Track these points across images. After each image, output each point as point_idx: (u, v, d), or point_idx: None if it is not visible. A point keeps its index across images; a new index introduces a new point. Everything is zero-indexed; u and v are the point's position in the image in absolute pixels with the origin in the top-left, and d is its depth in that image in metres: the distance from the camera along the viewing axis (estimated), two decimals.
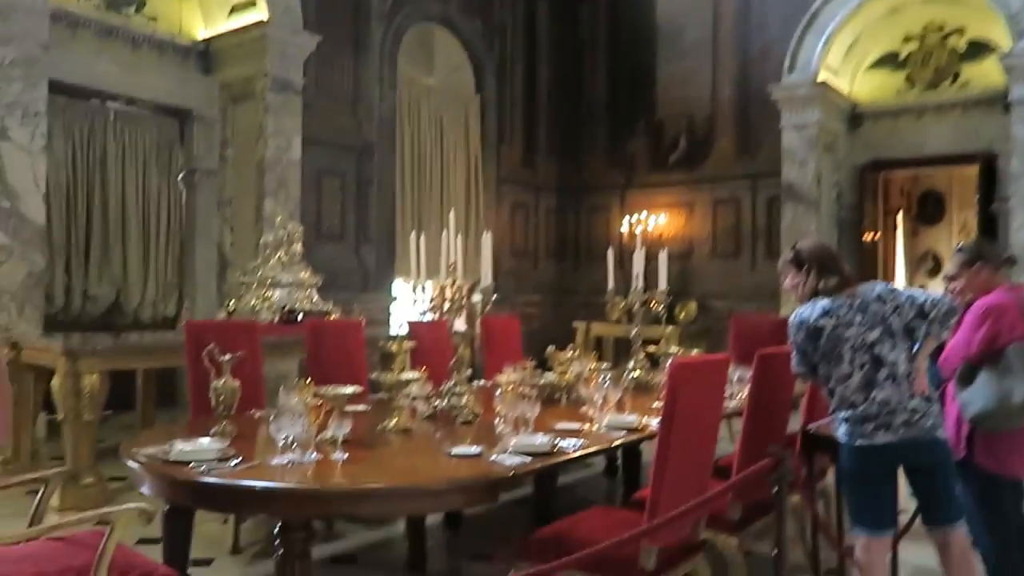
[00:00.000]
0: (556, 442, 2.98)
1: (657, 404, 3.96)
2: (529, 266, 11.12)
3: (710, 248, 10.11)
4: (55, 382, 4.24)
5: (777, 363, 3.11)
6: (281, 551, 2.45)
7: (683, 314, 9.94)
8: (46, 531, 2.11)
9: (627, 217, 10.34)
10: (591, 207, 11.26)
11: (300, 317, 5.82)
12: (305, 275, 5.84)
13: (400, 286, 9.13)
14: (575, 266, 11.36)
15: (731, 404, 4.03)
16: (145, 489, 2.60)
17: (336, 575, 3.46)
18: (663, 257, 4.95)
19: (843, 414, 2.69)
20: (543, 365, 4.58)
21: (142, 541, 3.51)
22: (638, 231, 9.82)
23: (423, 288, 3.94)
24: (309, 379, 3.39)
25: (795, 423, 3.45)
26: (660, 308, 4.83)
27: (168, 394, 6.75)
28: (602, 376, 4.54)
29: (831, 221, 9.30)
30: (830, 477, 3.93)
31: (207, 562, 3.53)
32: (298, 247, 5.88)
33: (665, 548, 2.54)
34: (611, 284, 4.86)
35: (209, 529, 3.89)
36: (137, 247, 7.58)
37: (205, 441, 2.73)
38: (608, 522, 2.75)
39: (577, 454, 2.92)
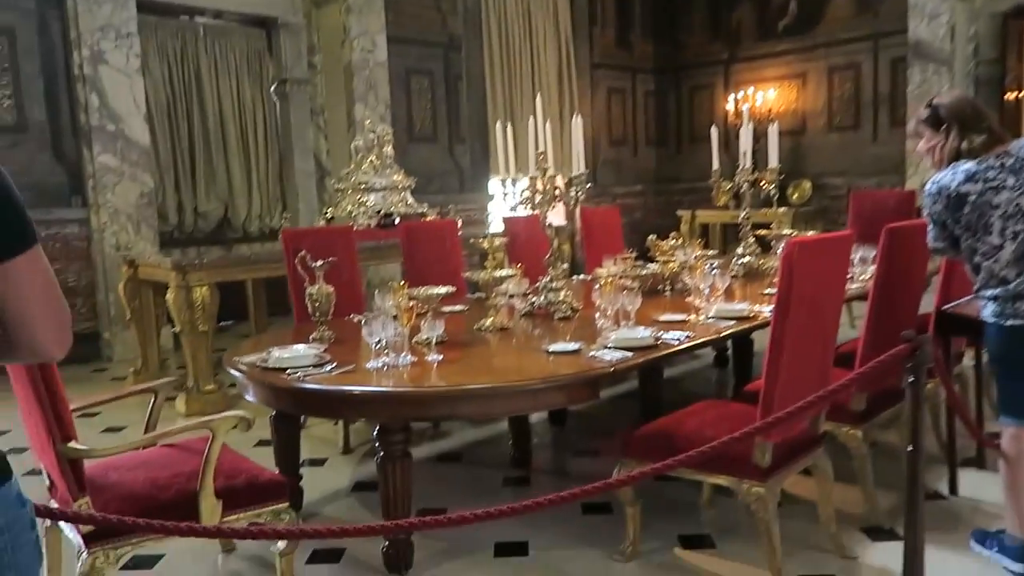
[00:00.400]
0: (659, 335, 2.81)
1: (769, 291, 3.70)
2: (628, 155, 10.68)
3: (825, 121, 9.34)
4: (169, 296, 4.40)
5: (908, 238, 2.78)
6: (381, 453, 2.44)
7: (796, 194, 9.34)
8: (152, 440, 2.16)
9: (732, 95, 9.66)
10: (692, 87, 10.58)
11: (397, 220, 5.80)
12: (398, 178, 5.76)
13: (496, 185, 8.98)
14: (677, 151, 10.82)
15: (852, 287, 3.72)
16: (249, 396, 2.65)
17: (441, 473, 3.50)
18: (773, 133, 4.54)
19: (991, 292, 2.37)
20: (645, 256, 4.36)
21: (260, 444, 3.65)
22: (744, 109, 9.18)
23: (514, 182, 3.76)
24: (404, 282, 3.33)
25: (926, 304, 3.13)
26: (771, 189, 4.46)
27: (281, 302, 6.98)
28: (708, 264, 4.29)
29: (966, 80, 8.33)
30: (966, 361, 3.60)
31: (320, 462, 3.64)
32: (389, 150, 5.79)
33: (781, 443, 2.37)
34: (715, 166, 4.52)
35: (322, 430, 4.02)
36: (239, 162, 7.73)
37: (301, 348, 2.73)
38: (717, 416, 2.59)
39: (681, 347, 2.75)
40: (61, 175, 6.00)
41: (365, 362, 2.59)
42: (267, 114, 7.94)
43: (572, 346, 2.73)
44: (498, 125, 3.59)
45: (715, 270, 3.95)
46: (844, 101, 9.17)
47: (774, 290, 3.64)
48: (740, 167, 4.49)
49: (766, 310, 3.27)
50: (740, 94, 9.49)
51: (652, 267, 4.04)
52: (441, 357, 2.67)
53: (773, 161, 4.41)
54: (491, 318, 3.21)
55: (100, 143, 5.99)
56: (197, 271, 4.38)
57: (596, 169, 10.21)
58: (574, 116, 3.43)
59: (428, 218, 5.85)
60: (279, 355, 2.61)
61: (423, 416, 2.38)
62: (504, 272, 3.31)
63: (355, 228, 5.48)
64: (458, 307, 3.74)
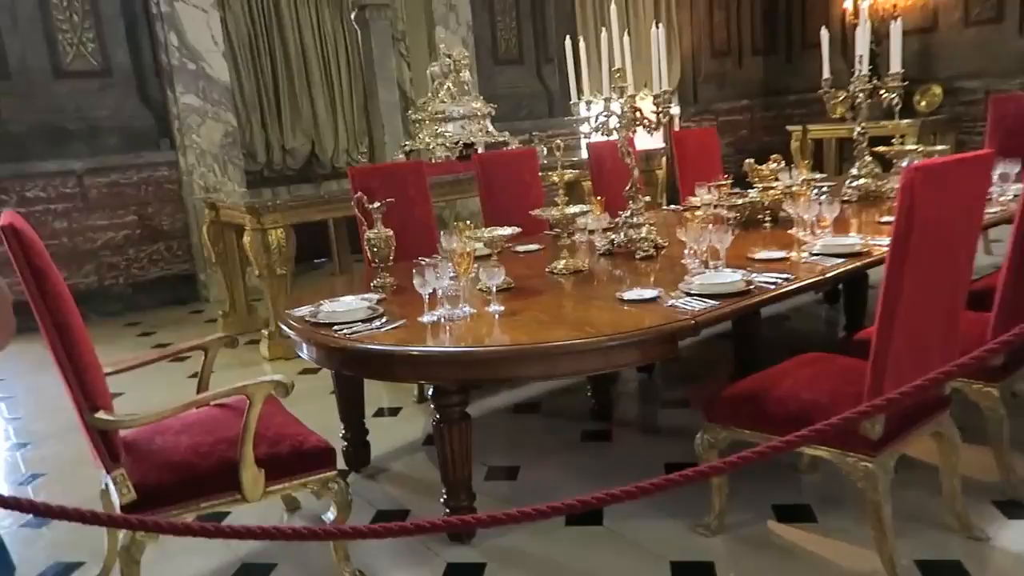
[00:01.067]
0: (752, 278, 2.45)
1: (888, 219, 3.22)
2: (732, 66, 9.87)
3: (960, 15, 8.24)
4: (245, 239, 4.34)
5: None
6: (436, 416, 2.25)
7: (924, 102, 8.37)
8: (182, 408, 2.04)
9: None
10: None
11: (480, 151, 5.53)
12: (478, 105, 5.45)
13: (590, 107, 8.50)
14: (787, 59, 9.90)
15: (990, 211, 3.18)
16: (303, 353, 2.49)
17: (517, 425, 3.30)
18: (896, 31, 3.91)
19: None
20: (743, 182, 3.92)
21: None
22: (864, 5, 8.21)
23: (594, 103, 3.39)
24: (468, 221, 3.08)
25: None
26: (893, 98, 3.87)
27: None
28: (815, 190, 3.81)
29: None
30: None
31: (395, 411, 3.52)
32: (467, 75, 5.46)
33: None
34: (826, 74, 3.96)
35: None
36: (323, 95, 7.61)
37: (352, 300, 2.54)
38: (819, 375, 2.23)
39: (777, 292, 2.38)
40: (148, 118, 6.04)
41: (421, 315, 2.37)
42: (348, 44, 7.74)
43: (650, 293, 2.42)
44: (567, 42, 3.21)
45: (823, 196, 3.49)
46: None
47: (892, 217, 3.18)
48: (856, 73, 3.92)
49: (883, 243, 2.83)
50: None
51: (752, 194, 3.60)
52: (503, 308, 2.41)
53: (896, 65, 3.81)
54: (564, 260, 2.92)
55: (182, 83, 5.96)
56: (271, 213, 4.28)
57: (696, 85, 9.51)
58: (656, 25, 3.00)
59: (511, 147, 5.54)
60: (329, 308, 2.44)
61: (474, 379, 2.16)
62: (577, 208, 2.99)
63: (433, 161, 5.27)
64: (533, 246, 3.47)
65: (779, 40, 9.95)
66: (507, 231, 2.81)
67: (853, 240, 2.85)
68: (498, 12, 7.82)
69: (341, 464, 2.93)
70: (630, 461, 2.86)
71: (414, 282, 2.37)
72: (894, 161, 4.22)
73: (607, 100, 2.98)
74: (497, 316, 2.37)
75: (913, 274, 1.91)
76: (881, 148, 4.21)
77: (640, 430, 3.16)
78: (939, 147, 4.42)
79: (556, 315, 2.34)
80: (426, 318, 2.35)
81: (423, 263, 2.48)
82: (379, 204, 2.90)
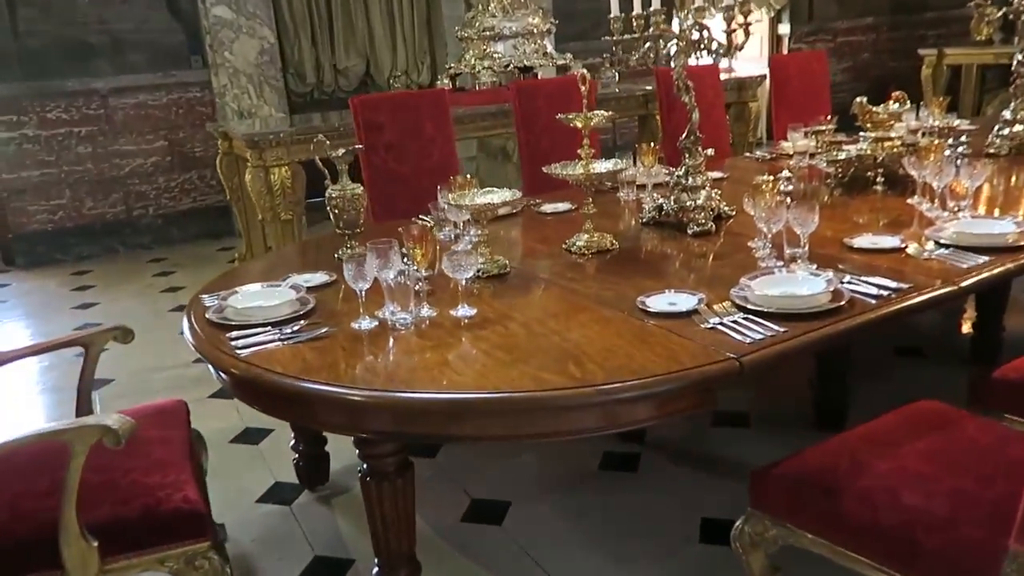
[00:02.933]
0: (844, 285, 1.65)
1: None
2: None
3: None
4: (246, 177, 3.76)
5: None
6: (362, 467, 1.59)
7: None
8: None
9: None
10: None
11: (538, 75, 4.71)
12: (535, 20, 4.59)
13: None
14: None
15: None
16: None
17: (521, 442, 2.62)
18: None
19: None
20: (853, 126, 2.99)
21: None
22: None
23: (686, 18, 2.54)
24: (469, 177, 2.36)
25: None
26: None
27: None
28: (952, 143, 2.86)
29: None
30: None
31: None
32: None
33: None
34: None
35: None
36: (379, 9, 6.85)
37: (279, 288, 1.88)
38: (934, 454, 1.43)
39: (878, 315, 1.57)
40: (178, 32, 5.48)
41: (361, 316, 1.70)
42: None
43: (687, 300, 1.66)
44: None
45: (961, 154, 2.56)
46: None
47: None
48: None
49: None
50: None
51: (858, 146, 2.70)
52: (474, 313, 1.71)
53: None
54: (587, 235, 2.17)
55: None
56: (274, 147, 3.66)
57: (813, 1, 8.19)
58: None
59: (573, 72, 4.69)
60: (238, 303, 1.79)
61: (397, 433, 1.48)
62: (609, 164, 2.21)
63: (478, 87, 4.50)
64: (563, 205, 2.71)
65: None
66: (504, 194, 2.05)
67: (1004, 225, 1.96)
68: None
69: (291, 479, 2.38)
70: (656, 510, 2.15)
71: (346, 273, 1.69)
72: None
73: (650, 18, 2.14)
74: (464, 322, 1.68)
75: None
76: None
77: (678, 458, 2.43)
78: None
79: (542, 333, 1.61)
80: (364, 324, 1.68)
81: (369, 248, 1.79)
82: (344, 151, 2.20)
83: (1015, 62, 3.00)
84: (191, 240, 5.59)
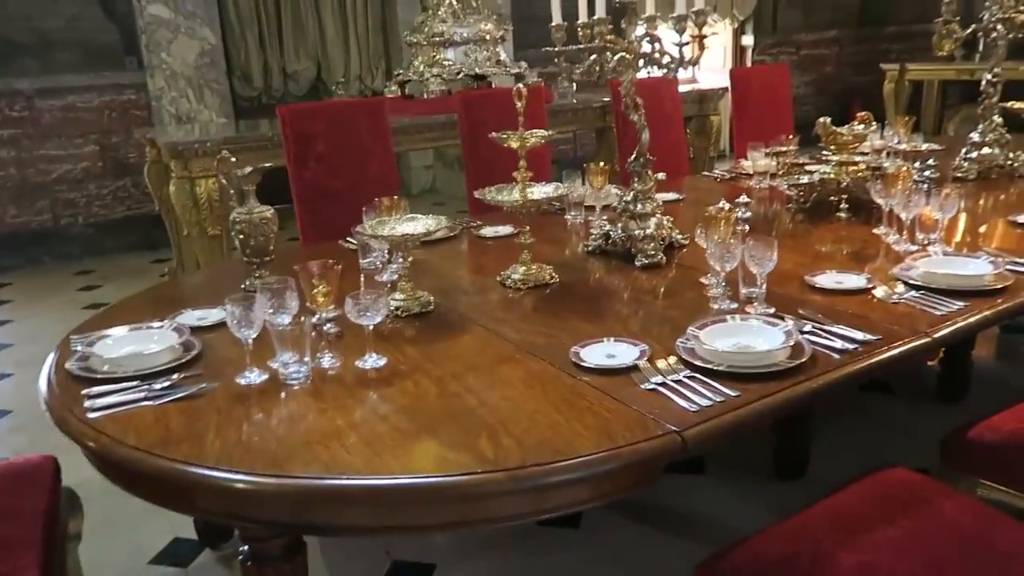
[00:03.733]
0: (802, 336, 1.44)
1: None
2: None
3: None
4: (170, 188, 3.47)
5: None
6: (243, 549, 1.34)
7: None
8: None
9: None
10: None
11: (492, 84, 4.49)
12: (488, 27, 4.37)
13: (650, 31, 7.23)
14: None
15: None
16: None
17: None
18: None
19: None
20: (815, 142, 2.81)
21: None
22: None
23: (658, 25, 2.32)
24: (397, 198, 2.12)
25: None
26: None
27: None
28: (920, 167, 2.71)
29: None
30: None
31: None
32: None
33: None
34: None
35: None
36: (332, 11, 6.58)
37: (159, 331, 1.62)
38: (905, 543, 1.23)
39: (842, 373, 1.36)
40: (112, 31, 5.15)
41: (249, 368, 1.45)
42: None
43: (628, 352, 1.44)
44: None
45: (929, 180, 2.41)
46: None
47: None
48: None
49: None
50: None
51: (821, 169, 2.51)
52: (383, 363, 1.48)
53: None
54: (523, 266, 1.95)
55: None
56: (201, 158, 3.38)
57: (777, 10, 8.10)
58: None
59: (529, 82, 4.48)
60: (106, 350, 1.53)
61: (274, 523, 1.24)
62: (548, 189, 1.99)
63: (426, 96, 4.26)
64: (505, 229, 2.48)
65: None
66: (428, 224, 1.81)
67: (980, 265, 1.77)
68: None
69: (193, 534, 2.11)
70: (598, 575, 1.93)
71: (228, 316, 1.44)
72: None
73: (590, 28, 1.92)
74: (371, 374, 1.44)
75: None
76: (1017, 104, 3.02)
77: (626, 511, 2.21)
78: None
79: (456, 393, 1.37)
80: (251, 377, 1.43)
81: (264, 284, 1.54)
82: (250, 170, 1.95)
83: (984, 82, 2.85)
84: (124, 251, 5.26)
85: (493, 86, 4.46)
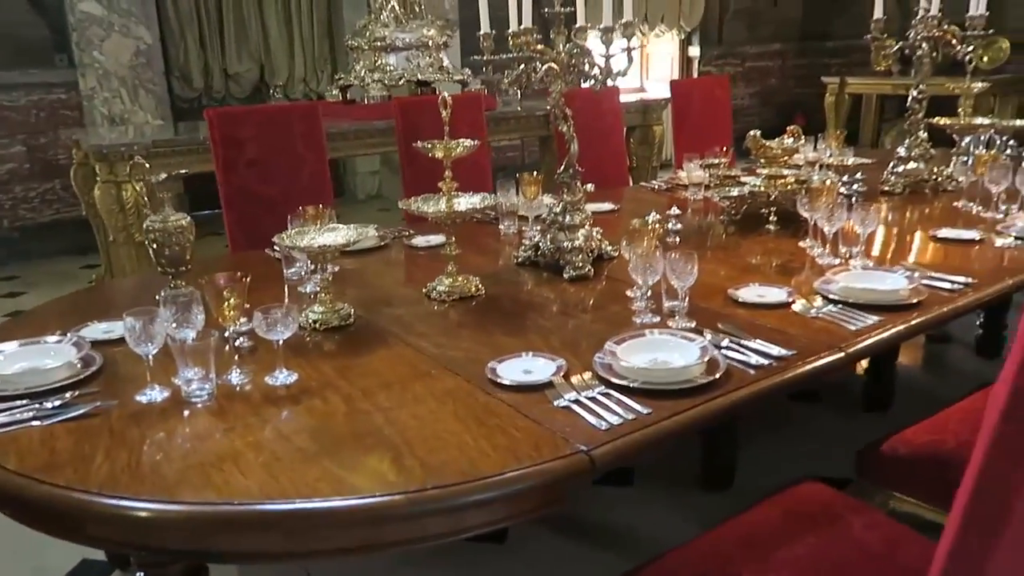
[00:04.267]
0: (720, 352, 1.44)
1: (948, 234, 2.18)
2: (767, 3, 8.55)
3: None
4: (95, 192, 3.35)
5: None
6: (139, 574, 1.28)
7: (987, 57, 7.08)
8: None
9: None
10: None
11: (436, 90, 4.45)
12: (431, 32, 4.33)
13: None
14: None
15: None
16: None
17: None
18: None
19: None
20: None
21: None
22: None
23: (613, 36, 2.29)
24: (322, 207, 2.07)
25: None
26: (968, 52, 2.76)
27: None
28: (847, 180, 2.76)
29: None
30: None
31: None
32: None
33: None
34: (878, 13, 2.83)
35: None
36: (275, 11, 6.47)
37: (56, 346, 1.54)
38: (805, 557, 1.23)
39: (758, 388, 1.36)
40: (41, 27, 4.96)
41: (149, 386, 1.39)
42: None
43: (543, 370, 1.42)
44: None
45: (857, 194, 2.45)
46: None
47: (955, 233, 2.15)
48: (921, 13, 2.79)
49: (945, 285, 1.81)
50: None
51: (751, 182, 2.54)
52: (293, 380, 1.43)
53: (979, 5, 2.68)
54: (449, 278, 1.92)
55: None
56: (127, 161, 3.27)
57: (723, 23, 8.24)
58: None
59: (471, 89, 4.46)
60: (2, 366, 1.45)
61: (171, 551, 1.18)
62: (475, 199, 1.96)
63: (366, 101, 4.21)
64: (436, 239, 2.44)
65: None
66: (348, 235, 1.77)
67: (896, 280, 1.80)
68: None
69: (99, 556, 2.02)
70: None
71: (126, 336, 1.38)
72: (956, 138, 3.12)
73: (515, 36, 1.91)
74: (280, 392, 1.39)
75: None
76: (942, 121, 3.10)
77: (553, 523, 2.19)
78: (1017, 122, 3.30)
79: (365, 411, 1.33)
80: (152, 395, 1.37)
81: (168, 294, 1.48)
82: (164, 177, 1.87)
83: (910, 98, 2.91)
84: (52, 256, 5.06)
85: (437, 92, 4.43)
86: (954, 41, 2.76)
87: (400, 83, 4.20)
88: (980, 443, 0.82)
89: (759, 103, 8.73)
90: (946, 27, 2.78)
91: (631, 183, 4.17)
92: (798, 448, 2.52)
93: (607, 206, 2.84)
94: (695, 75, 8.08)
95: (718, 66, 8.32)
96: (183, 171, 2.02)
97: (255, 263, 2.28)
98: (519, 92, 4.39)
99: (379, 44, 4.19)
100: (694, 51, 8.19)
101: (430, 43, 4.30)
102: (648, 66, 8.39)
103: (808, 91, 8.47)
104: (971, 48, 2.72)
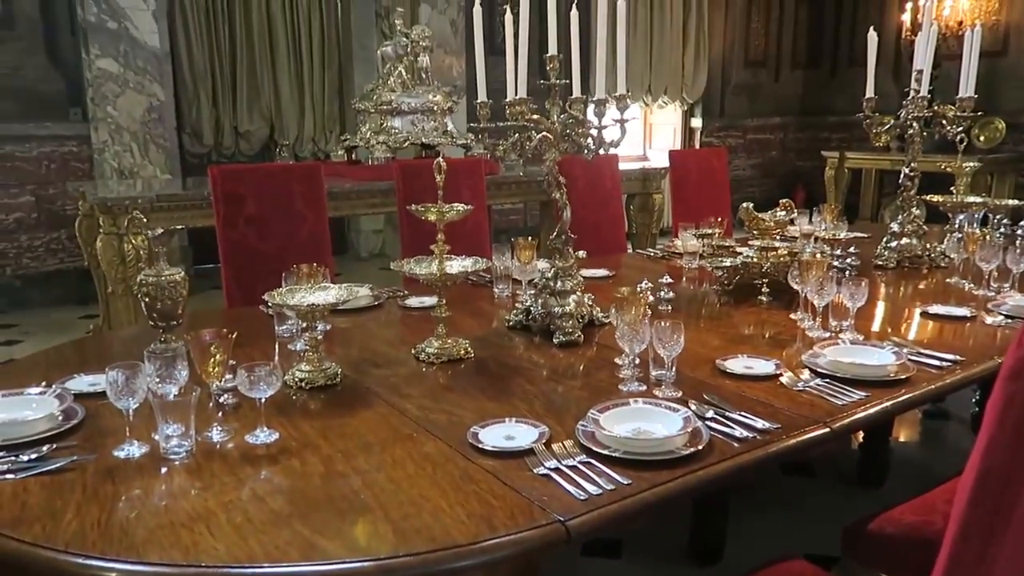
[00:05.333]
0: (700, 423, 1.43)
1: (938, 309, 2.18)
2: (768, 79, 8.76)
3: None
4: (97, 244, 3.39)
5: None
6: None
7: (983, 136, 7.22)
8: None
9: (910, 2, 7.50)
10: None
11: (441, 153, 4.54)
12: (436, 98, 4.44)
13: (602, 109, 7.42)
14: (832, 75, 8.76)
15: None
16: None
17: None
18: (971, 43, 2.85)
19: None
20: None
21: None
22: (927, 5, 7.17)
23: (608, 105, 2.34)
24: (316, 266, 2.08)
25: None
26: (958, 132, 2.82)
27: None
28: (841, 254, 2.79)
29: None
30: None
31: None
32: (425, 60, 4.46)
33: None
34: (870, 92, 2.90)
35: None
36: (288, 73, 6.63)
37: (38, 397, 1.54)
38: None
39: (732, 464, 1.35)
40: (58, 81, 5.10)
41: (130, 440, 1.38)
42: (325, 17, 6.76)
43: (525, 436, 1.41)
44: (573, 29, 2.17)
45: (850, 267, 2.47)
46: None
47: (946, 310, 2.15)
48: (911, 94, 2.86)
49: (933, 362, 1.81)
50: (925, 1, 7.34)
51: (744, 253, 2.56)
52: (273, 439, 1.42)
53: (968, 87, 2.75)
54: (439, 339, 1.92)
55: (99, 44, 5.02)
56: (125, 214, 3.31)
57: (725, 96, 8.43)
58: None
59: (474, 154, 4.54)
60: None
61: None
62: (468, 263, 1.98)
63: (371, 162, 4.29)
64: (430, 300, 2.45)
65: (824, 53, 8.82)
66: (337, 292, 1.79)
67: (883, 355, 1.80)
68: None
69: None
70: None
71: (107, 389, 1.38)
72: (950, 215, 3.16)
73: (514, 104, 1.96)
74: (260, 451, 1.38)
75: None
76: (935, 198, 3.14)
77: None
78: (1010, 201, 3.34)
79: (343, 473, 1.32)
80: (131, 450, 1.36)
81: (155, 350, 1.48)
82: (160, 231, 1.90)
83: (902, 175, 2.96)
84: (52, 305, 5.09)
85: (442, 155, 4.51)
86: (944, 121, 2.83)
87: (405, 145, 4.28)
88: (949, 530, 0.80)
89: (760, 174, 8.86)
90: (937, 107, 2.84)
91: (631, 249, 4.21)
92: (790, 523, 2.48)
93: (602, 272, 2.86)
94: (697, 145, 8.22)
95: (720, 137, 8.48)
96: (179, 226, 2.05)
97: (249, 319, 2.29)
98: (521, 159, 4.47)
99: (385, 107, 4.29)
100: (696, 122, 8.35)
101: (435, 108, 4.40)
102: (652, 136, 8.54)
103: (809, 164, 8.61)
104: (960, 128, 2.77)
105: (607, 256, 3.26)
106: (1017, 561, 0.83)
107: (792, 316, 2.21)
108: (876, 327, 2.16)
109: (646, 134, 8.49)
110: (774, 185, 8.76)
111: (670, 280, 2.42)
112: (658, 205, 5.03)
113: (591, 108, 2.00)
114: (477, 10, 2.04)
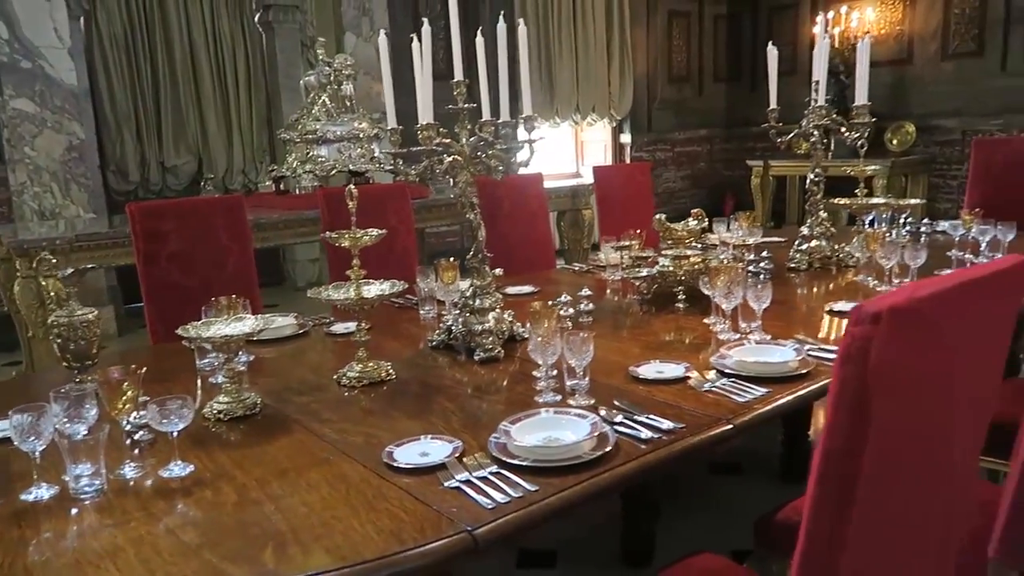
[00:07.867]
0: (607, 427, 1.48)
1: (840, 306, 2.30)
2: (692, 94, 9.03)
3: (938, 48, 7.46)
4: (15, 288, 3.31)
5: None
6: None
7: (896, 140, 7.57)
8: None
9: (821, 14, 7.83)
10: (773, 7, 8.76)
11: (371, 180, 4.56)
12: (362, 125, 4.47)
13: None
14: (751, 88, 9.06)
15: None
16: None
17: None
18: (863, 53, 3.02)
19: None
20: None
21: None
22: (835, 32, 7.50)
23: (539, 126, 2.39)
24: (235, 298, 2.08)
25: None
26: (858, 138, 2.97)
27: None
28: (753, 259, 2.89)
29: None
30: None
31: None
32: (349, 88, 4.49)
33: None
34: (773, 103, 3.05)
35: None
36: (214, 107, 6.59)
37: None
38: None
39: (643, 462, 1.41)
40: None
41: (36, 483, 1.37)
42: (249, 49, 6.74)
43: (439, 452, 1.44)
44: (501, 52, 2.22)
45: (764, 272, 2.57)
46: (966, 19, 7.25)
47: (848, 307, 2.24)
48: (810, 104, 3.01)
49: (833, 356, 1.89)
50: (831, 14, 7.69)
51: (660, 263, 2.65)
52: (187, 471, 1.42)
53: (862, 96, 2.91)
54: (358, 365, 1.94)
55: (13, 84, 4.92)
56: (43, 256, 3.24)
57: (651, 111, 8.65)
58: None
59: (402, 179, 4.56)
60: None
61: None
62: (376, 288, 2.00)
63: (298, 192, 4.28)
64: (354, 326, 2.47)
65: (744, 67, 9.13)
66: (252, 323, 1.80)
67: (785, 352, 1.89)
68: (424, 20, 6.86)
69: None
70: None
71: (12, 433, 1.36)
72: (857, 217, 3.32)
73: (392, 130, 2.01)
74: (173, 484, 1.38)
75: (877, 472, 0.94)
76: (842, 200, 3.30)
77: None
78: (912, 200, 3.53)
79: (256, 500, 1.32)
80: (39, 492, 1.35)
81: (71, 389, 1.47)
82: (70, 271, 1.88)
83: (808, 180, 3.10)
84: None
85: (372, 182, 4.53)
86: (842, 128, 2.98)
87: (332, 173, 4.29)
88: (805, 511, 0.87)
89: (690, 186, 9.10)
90: (834, 116, 2.99)
91: (560, 265, 4.29)
92: (718, 521, 2.55)
93: (528, 288, 2.92)
94: (628, 160, 8.41)
95: (650, 151, 8.69)
96: (90, 265, 2.04)
97: (171, 355, 2.28)
98: (451, 181, 4.50)
99: (310, 136, 4.30)
100: (626, 138, 8.55)
101: (361, 135, 4.43)
102: (583, 153, 8.70)
103: (736, 174, 8.88)
104: (858, 135, 2.93)
105: (535, 273, 3.32)
106: (864, 538, 0.90)
107: (706, 321, 2.29)
108: (783, 327, 2.26)
109: (578, 151, 8.64)
110: (704, 196, 9.01)
111: (589, 292, 2.48)
112: (588, 221, 5.14)
113: (499, 130, 2.06)
114: (382, 39, 2.09)
